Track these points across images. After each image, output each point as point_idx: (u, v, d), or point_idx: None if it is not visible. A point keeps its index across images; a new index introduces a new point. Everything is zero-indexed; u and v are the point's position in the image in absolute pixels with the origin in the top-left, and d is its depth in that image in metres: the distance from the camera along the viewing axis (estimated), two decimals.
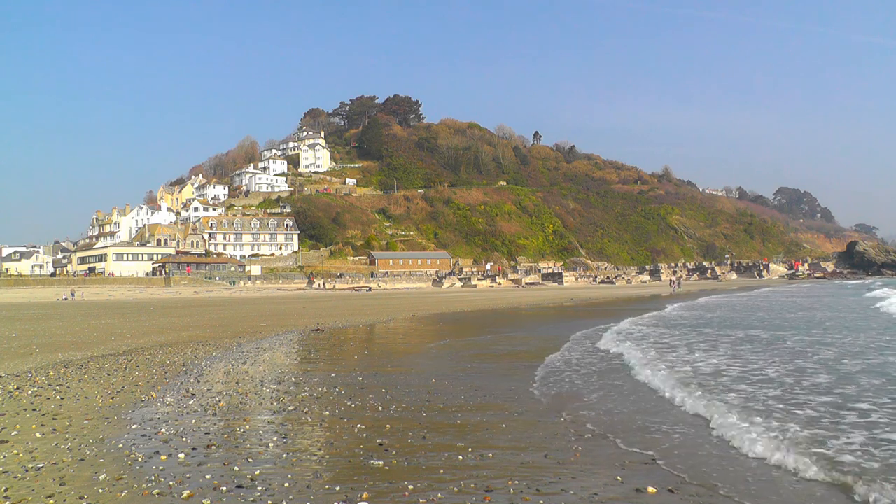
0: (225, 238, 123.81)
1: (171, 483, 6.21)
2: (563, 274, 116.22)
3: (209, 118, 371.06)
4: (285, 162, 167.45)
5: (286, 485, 6.20)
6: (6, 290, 77.58)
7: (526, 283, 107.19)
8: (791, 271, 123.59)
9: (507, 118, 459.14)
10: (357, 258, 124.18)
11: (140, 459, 6.98)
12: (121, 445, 7.52)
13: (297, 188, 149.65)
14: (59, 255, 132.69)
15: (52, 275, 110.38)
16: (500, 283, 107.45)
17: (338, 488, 6.11)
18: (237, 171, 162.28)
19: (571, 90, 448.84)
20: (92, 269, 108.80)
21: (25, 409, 9.47)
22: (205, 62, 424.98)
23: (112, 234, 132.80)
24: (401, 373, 13.29)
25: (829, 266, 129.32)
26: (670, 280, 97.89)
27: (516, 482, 6.26)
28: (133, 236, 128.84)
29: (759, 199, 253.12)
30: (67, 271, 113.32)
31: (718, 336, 18.97)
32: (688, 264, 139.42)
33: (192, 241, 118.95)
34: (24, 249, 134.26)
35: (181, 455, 7.13)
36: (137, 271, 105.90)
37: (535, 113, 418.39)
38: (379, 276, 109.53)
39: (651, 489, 5.99)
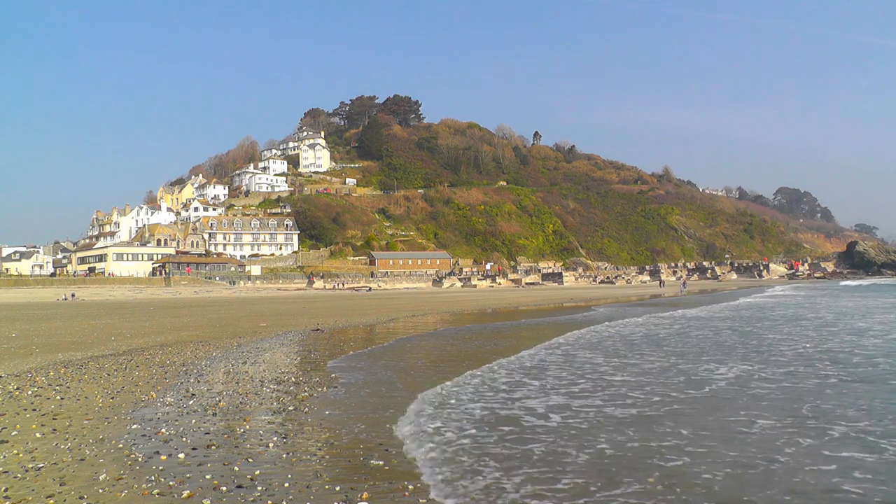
0: (225, 238, 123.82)
1: (171, 483, 6.21)
2: (563, 274, 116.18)
3: (209, 118, 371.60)
4: (285, 162, 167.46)
5: (286, 485, 6.20)
6: (6, 290, 77.57)
7: (526, 284, 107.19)
8: (791, 271, 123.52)
9: (507, 118, 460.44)
10: (357, 258, 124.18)
11: (140, 459, 6.98)
12: (121, 445, 7.52)
13: (297, 188, 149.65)
14: (59, 255, 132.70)
15: (52, 275, 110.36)
16: (500, 284, 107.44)
17: (338, 488, 6.12)
18: (237, 171, 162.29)
19: (571, 90, 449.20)
20: (92, 270, 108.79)
21: (25, 409, 9.47)
22: (205, 62, 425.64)
23: (112, 234, 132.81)
24: (401, 373, 13.29)
25: (829, 266, 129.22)
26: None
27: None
28: (133, 236, 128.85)
29: (759, 199, 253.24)
30: (67, 271, 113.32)
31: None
32: (688, 264, 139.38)
33: (192, 241, 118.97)
34: (24, 249, 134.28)
35: (181, 455, 7.13)
36: (137, 271, 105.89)
37: (535, 113, 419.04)
38: (379, 277, 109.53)
39: None
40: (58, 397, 10.38)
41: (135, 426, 8.48)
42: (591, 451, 7.37)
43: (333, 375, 12.78)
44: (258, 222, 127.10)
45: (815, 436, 7.78)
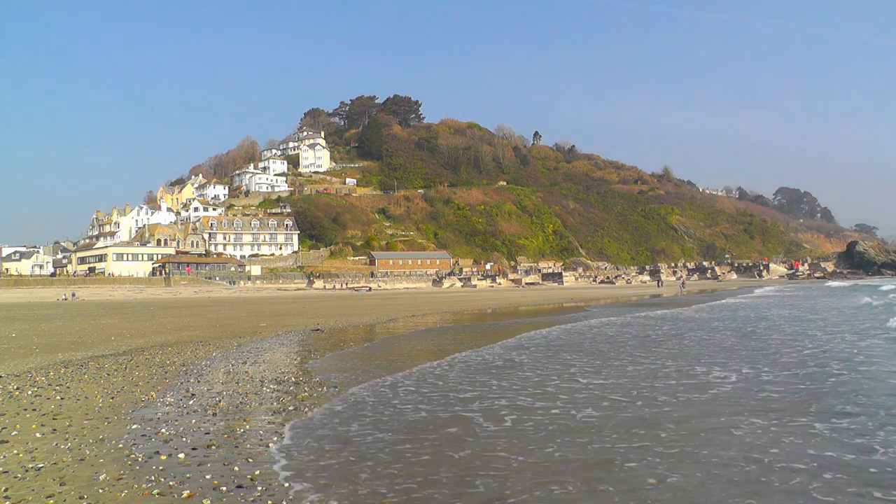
0: (225, 238, 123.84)
1: (171, 483, 6.21)
2: (563, 274, 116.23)
3: (209, 118, 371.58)
4: (285, 162, 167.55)
5: (286, 485, 6.20)
6: (6, 290, 77.58)
7: (526, 284, 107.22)
8: (791, 271, 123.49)
9: (507, 118, 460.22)
10: (357, 258, 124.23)
11: (140, 459, 6.98)
12: (121, 445, 7.52)
13: (297, 188, 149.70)
14: (59, 255, 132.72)
15: (52, 275, 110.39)
16: (500, 283, 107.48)
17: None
18: (237, 171, 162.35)
19: (571, 90, 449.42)
20: (92, 269, 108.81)
21: (25, 409, 9.47)
22: (205, 62, 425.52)
23: (112, 234, 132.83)
24: (401, 374, 13.28)
25: (830, 266, 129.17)
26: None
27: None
28: (133, 236, 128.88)
29: (759, 199, 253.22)
30: (67, 271, 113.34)
31: None
32: (688, 264, 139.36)
33: (192, 241, 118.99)
34: (24, 249, 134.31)
35: (181, 455, 7.13)
36: (137, 271, 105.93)
37: (535, 113, 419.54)
38: (379, 277, 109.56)
39: None
40: (58, 397, 10.38)
41: (135, 426, 8.48)
42: (538, 454, 7.07)
43: (323, 376, 12.79)
44: (258, 222, 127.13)
45: (802, 435, 7.66)
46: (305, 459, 6.99)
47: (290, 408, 9.64)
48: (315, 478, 6.38)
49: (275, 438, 7.86)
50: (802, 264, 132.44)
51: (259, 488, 6.08)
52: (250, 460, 6.98)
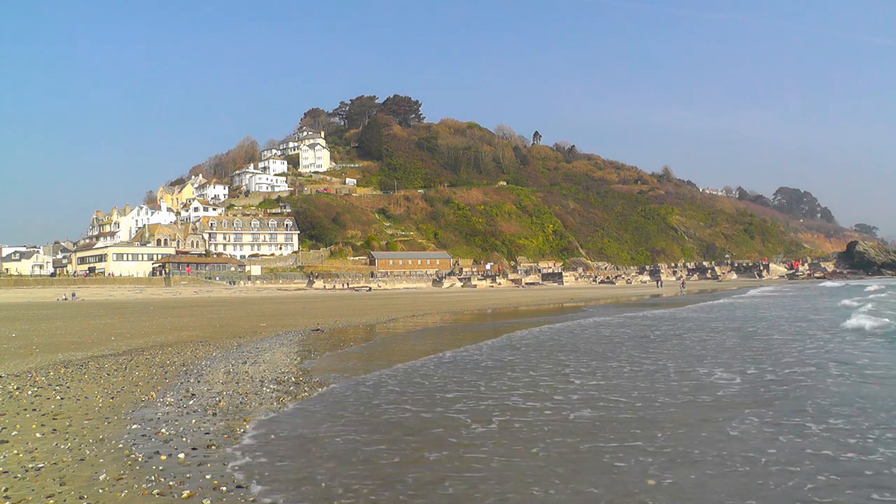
0: (225, 238, 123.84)
1: (171, 483, 6.21)
2: (563, 274, 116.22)
3: (209, 118, 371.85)
4: (285, 162, 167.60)
5: (287, 485, 6.20)
6: (6, 290, 77.57)
7: (526, 284, 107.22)
8: (791, 271, 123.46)
9: (507, 118, 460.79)
10: (357, 258, 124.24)
11: (140, 459, 6.97)
12: (121, 445, 7.52)
13: (297, 188, 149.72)
14: (59, 255, 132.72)
15: (52, 275, 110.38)
16: (500, 283, 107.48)
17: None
18: (237, 171, 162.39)
19: (571, 90, 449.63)
20: (92, 269, 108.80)
21: (25, 409, 9.46)
22: (205, 62, 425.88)
23: (112, 234, 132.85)
24: (401, 374, 13.28)
25: (830, 266, 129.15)
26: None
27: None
28: (133, 236, 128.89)
29: (759, 199, 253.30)
30: (67, 271, 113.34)
31: None
32: (688, 264, 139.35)
33: (192, 241, 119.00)
34: (24, 249, 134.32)
35: (181, 455, 7.13)
36: (137, 271, 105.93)
37: (535, 113, 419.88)
38: (379, 276, 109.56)
39: None
40: (58, 397, 10.38)
41: (135, 426, 8.47)
42: (524, 455, 6.93)
43: (323, 376, 12.79)
44: (258, 222, 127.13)
45: (801, 434, 7.61)
46: (264, 461, 6.93)
47: (291, 408, 9.65)
48: (269, 480, 6.30)
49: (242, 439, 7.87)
50: (802, 264, 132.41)
51: (259, 488, 6.09)
52: (251, 460, 6.98)
